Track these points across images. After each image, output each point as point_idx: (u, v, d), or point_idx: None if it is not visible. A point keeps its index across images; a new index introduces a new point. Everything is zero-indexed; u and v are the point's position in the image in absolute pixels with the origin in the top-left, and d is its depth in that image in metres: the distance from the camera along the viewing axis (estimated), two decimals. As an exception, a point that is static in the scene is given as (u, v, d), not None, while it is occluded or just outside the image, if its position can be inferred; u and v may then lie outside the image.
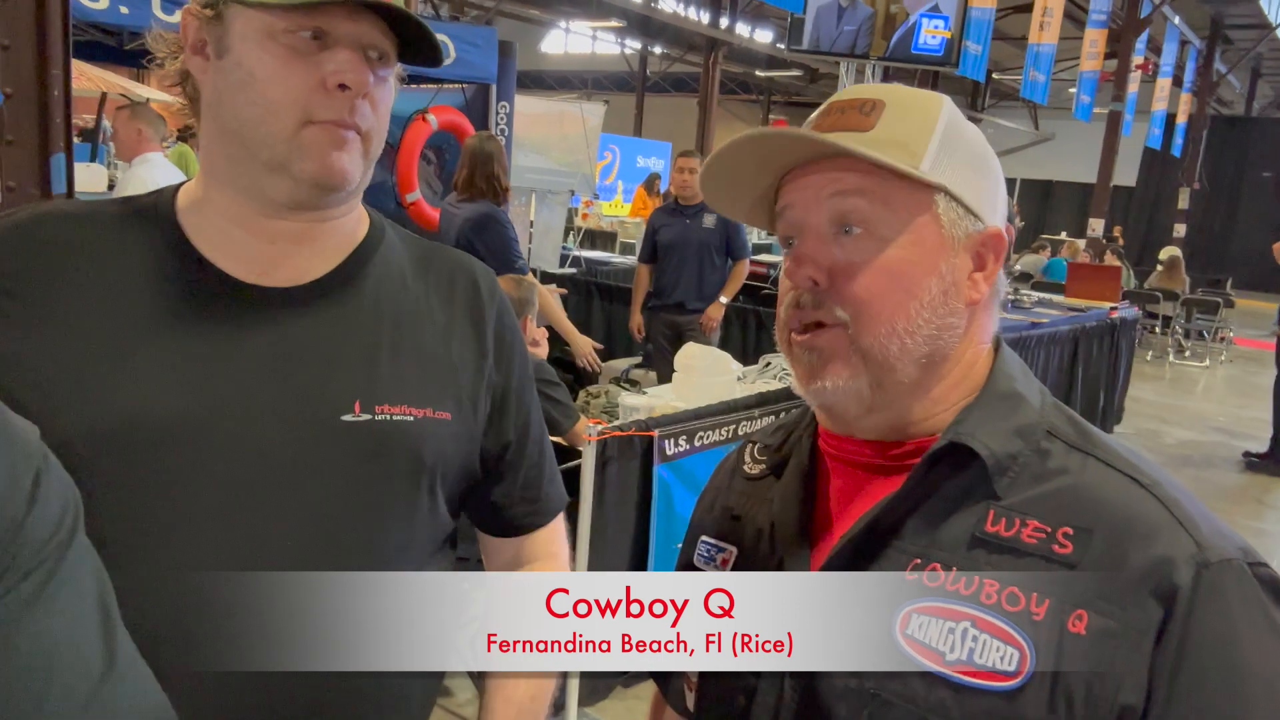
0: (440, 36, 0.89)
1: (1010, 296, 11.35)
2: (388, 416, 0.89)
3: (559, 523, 1.12)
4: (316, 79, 0.83)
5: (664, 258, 5.21)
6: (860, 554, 0.75)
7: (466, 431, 0.96)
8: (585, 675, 2.93)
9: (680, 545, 3.14)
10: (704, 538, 0.92)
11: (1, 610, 0.55)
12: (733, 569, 0.86)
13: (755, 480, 0.91)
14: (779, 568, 0.81)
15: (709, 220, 5.08)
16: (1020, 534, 0.69)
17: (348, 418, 0.87)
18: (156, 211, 0.91)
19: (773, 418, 3.45)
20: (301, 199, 0.87)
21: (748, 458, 0.95)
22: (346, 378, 0.89)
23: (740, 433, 3.34)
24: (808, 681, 0.74)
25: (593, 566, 2.87)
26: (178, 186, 0.94)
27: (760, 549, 0.84)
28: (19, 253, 0.86)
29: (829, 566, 0.75)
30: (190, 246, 0.89)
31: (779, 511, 0.84)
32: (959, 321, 0.76)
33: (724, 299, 5.16)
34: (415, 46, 0.89)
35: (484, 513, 1.07)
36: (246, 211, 0.89)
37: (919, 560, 0.72)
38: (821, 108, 0.80)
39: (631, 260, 9.24)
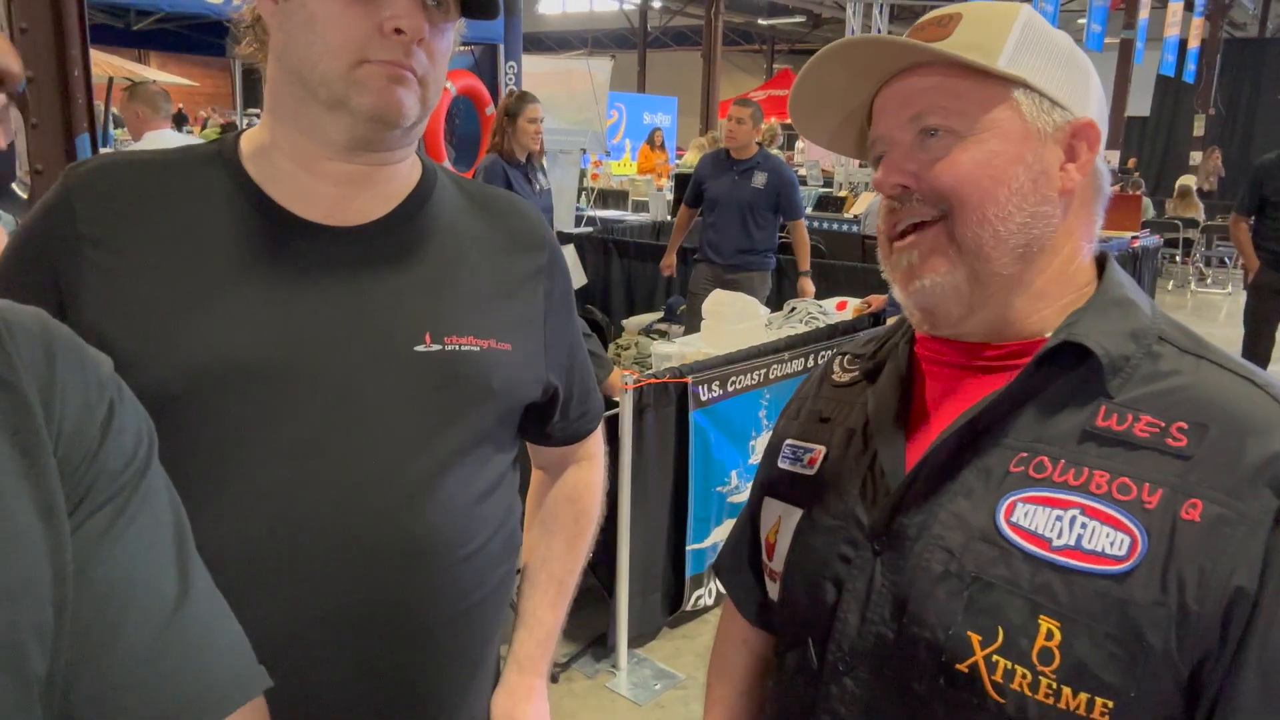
0: None
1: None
2: (456, 346, 0.92)
3: (600, 426, 1.21)
4: (374, 23, 0.85)
5: (709, 211, 5.01)
6: (961, 448, 0.76)
7: (526, 361, 1.00)
8: (633, 617, 2.99)
9: (718, 488, 3.16)
10: (789, 441, 0.94)
11: (78, 540, 0.55)
12: (820, 466, 0.88)
13: (845, 387, 0.93)
14: (871, 464, 0.82)
15: (759, 179, 4.86)
16: (1133, 428, 0.70)
17: (419, 348, 0.91)
18: (221, 157, 0.94)
19: (802, 361, 3.47)
20: (360, 135, 0.89)
21: (837, 367, 0.96)
22: (415, 310, 0.92)
23: (771, 376, 3.36)
24: (901, 566, 0.76)
25: (635, 511, 2.92)
26: (239, 133, 0.97)
27: (852, 447, 0.86)
28: (97, 202, 0.89)
29: (928, 460, 0.76)
30: (259, 190, 0.92)
31: (874, 409, 0.85)
32: (1053, 210, 0.77)
33: (804, 268, 4.97)
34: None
35: (542, 432, 1.13)
36: (310, 154, 0.91)
37: (1025, 454, 0.73)
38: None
39: (645, 217, 9.22)
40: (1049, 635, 0.67)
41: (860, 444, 0.85)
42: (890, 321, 0.93)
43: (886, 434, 0.83)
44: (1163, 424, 0.70)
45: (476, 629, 0.97)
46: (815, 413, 0.94)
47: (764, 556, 0.93)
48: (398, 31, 0.85)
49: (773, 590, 0.91)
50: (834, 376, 0.95)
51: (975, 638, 0.70)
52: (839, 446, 0.88)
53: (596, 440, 1.21)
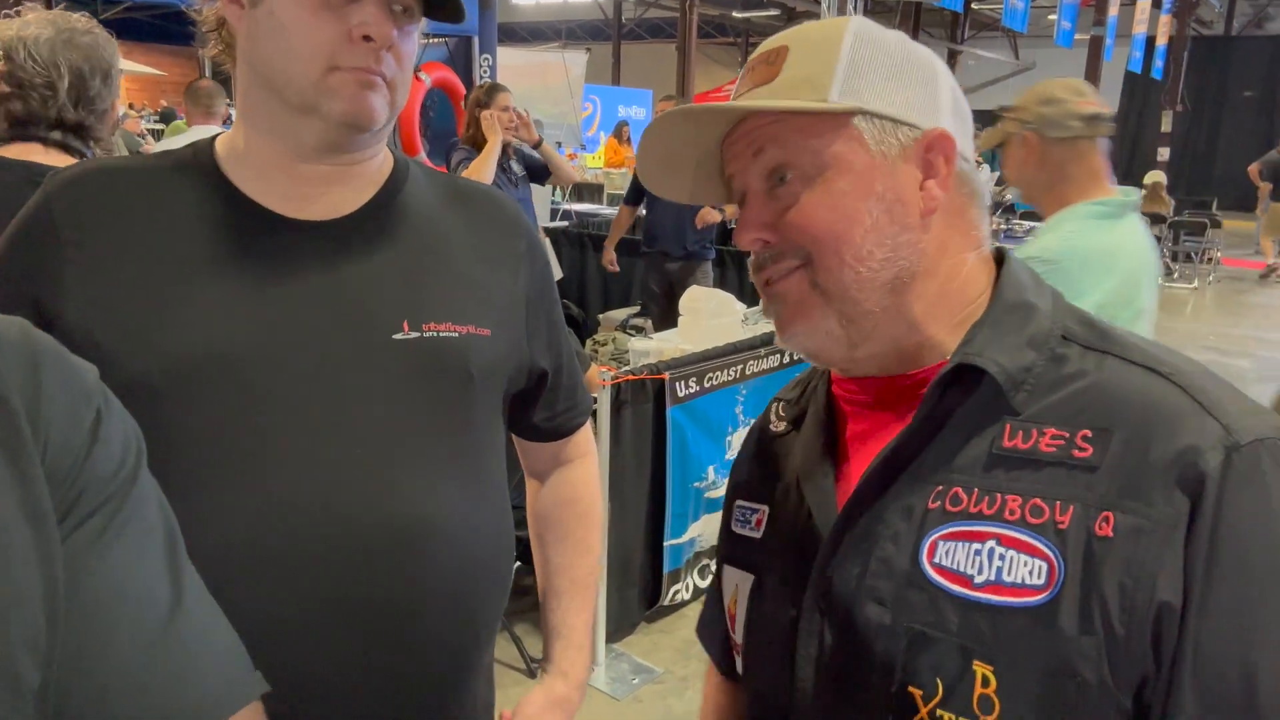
0: None
1: (1001, 228, 11.29)
2: (435, 333, 0.94)
3: (589, 424, 1.23)
4: (343, 30, 0.87)
5: (649, 204, 5.23)
6: (884, 489, 0.72)
7: (507, 347, 1.02)
8: (611, 612, 3.01)
9: (695, 484, 3.17)
10: (739, 501, 0.90)
11: (68, 549, 0.55)
12: (765, 527, 0.85)
13: (781, 437, 0.89)
14: (809, 518, 0.78)
15: None
16: (1038, 444, 0.66)
17: (398, 336, 0.93)
18: (196, 160, 0.96)
19: (777, 357, 3.49)
20: (332, 139, 0.91)
21: (773, 416, 0.93)
22: (392, 299, 0.94)
23: (748, 372, 3.39)
24: (845, 622, 0.71)
25: (614, 507, 2.94)
26: (214, 137, 0.98)
27: (790, 502, 0.82)
28: (78, 206, 0.91)
29: (851, 508, 0.73)
30: (234, 188, 0.93)
31: (801, 463, 0.82)
32: (916, 237, 0.73)
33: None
34: (437, 2, 0.93)
35: (530, 425, 1.15)
36: (282, 156, 0.93)
37: (940, 488, 0.69)
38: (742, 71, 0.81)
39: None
40: (984, 681, 0.64)
41: (796, 498, 0.81)
42: None
43: (815, 484, 0.79)
44: (1068, 435, 0.66)
45: (468, 618, 0.98)
46: (758, 468, 0.90)
47: (728, 628, 0.89)
48: (366, 38, 0.87)
49: (738, 663, 0.88)
50: (771, 427, 0.91)
51: (917, 692, 0.66)
52: (780, 504, 0.84)
53: (587, 438, 1.22)
